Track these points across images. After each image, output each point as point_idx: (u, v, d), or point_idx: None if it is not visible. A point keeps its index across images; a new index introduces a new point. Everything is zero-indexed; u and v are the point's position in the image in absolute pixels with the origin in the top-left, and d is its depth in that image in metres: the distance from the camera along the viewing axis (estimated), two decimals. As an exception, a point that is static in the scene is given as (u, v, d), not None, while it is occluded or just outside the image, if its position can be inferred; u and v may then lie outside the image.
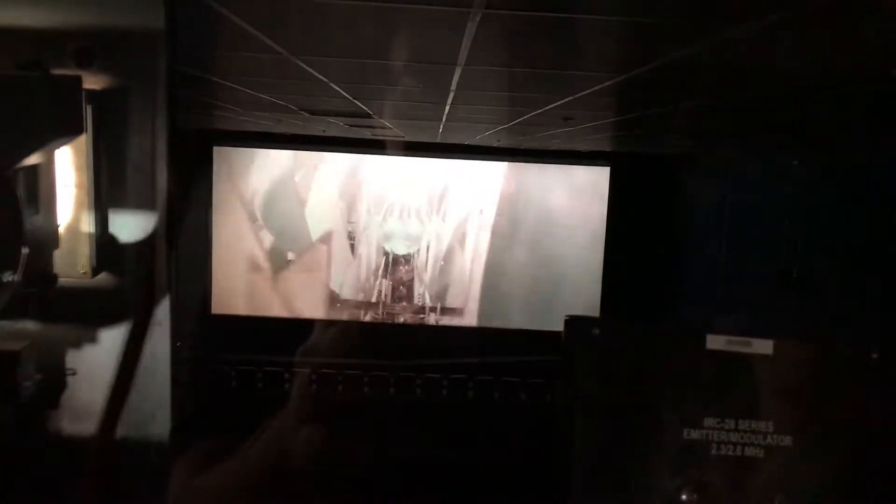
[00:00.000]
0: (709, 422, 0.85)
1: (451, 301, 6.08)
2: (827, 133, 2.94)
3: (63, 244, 0.94)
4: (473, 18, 1.23)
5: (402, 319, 6.01)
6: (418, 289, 6.06)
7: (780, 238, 3.98)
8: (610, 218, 5.88)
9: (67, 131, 0.86)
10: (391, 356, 5.31)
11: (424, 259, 6.04)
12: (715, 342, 0.84)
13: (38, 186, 0.89)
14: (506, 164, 5.84)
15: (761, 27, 1.15)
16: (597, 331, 0.85)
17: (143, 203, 0.95)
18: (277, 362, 4.93)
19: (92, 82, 0.90)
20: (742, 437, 0.85)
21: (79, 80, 0.86)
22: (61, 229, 0.94)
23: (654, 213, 5.71)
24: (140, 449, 0.97)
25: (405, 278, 6.04)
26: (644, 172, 5.70)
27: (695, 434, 0.85)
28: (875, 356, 0.86)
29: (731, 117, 2.58)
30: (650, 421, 0.85)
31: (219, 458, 1.15)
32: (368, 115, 3.16)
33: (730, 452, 0.85)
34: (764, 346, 0.84)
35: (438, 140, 4.80)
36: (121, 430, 0.95)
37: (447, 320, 6.07)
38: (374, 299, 6.02)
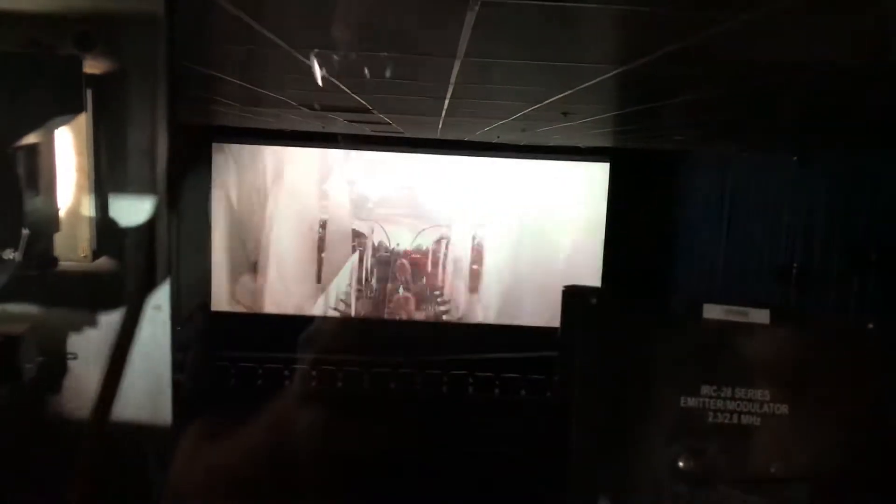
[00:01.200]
0: (705, 390, 0.86)
1: (454, 298, 6.09)
2: (827, 129, 2.94)
3: (64, 227, 0.94)
4: (472, 8, 1.23)
5: (403, 316, 6.02)
6: (419, 284, 6.06)
7: (780, 233, 3.99)
8: (609, 213, 5.89)
9: (67, 109, 0.87)
10: (390, 352, 5.31)
11: (428, 255, 6.05)
12: (712, 311, 0.85)
13: (39, 169, 0.89)
14: (507, 160, 5.85)
15: (762, 16, 1.15)
16: (594, 300, 0.86)
17: (143, 188, 0.95)
18: (277, 359, 4.93)
19: (93, 67, 0.90)
20: (739, 406, 0.86)
21: (79, 59, 0.87)
22: (62, 212, 0.94)
23: (654, 208, 5.71)
24: (141, 430, 0.97)
25: (406, 276, 6.05)
26: (643, 168, 5.71)
27: (691, 402, 0.86)
28: (870, 326, 0.87)
29: (730, 111, 2.58)
30: (647, 390, 0.86)
31: (218, 441, 1.15)
32: (368, 111, 3.16)
33: (726, 420, 0.86)
34: (761, 316, 0.85)
35: (438, 136, 4.80)
36: (122, 413, 0.96)
37: (449, 316, 6.08)
38: (371, 295, 6.03)
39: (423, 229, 6.02)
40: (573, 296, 0.86)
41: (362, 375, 4.97)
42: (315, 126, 4.55)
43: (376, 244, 6.03)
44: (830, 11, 1.14)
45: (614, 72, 1.79)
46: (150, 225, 0.95)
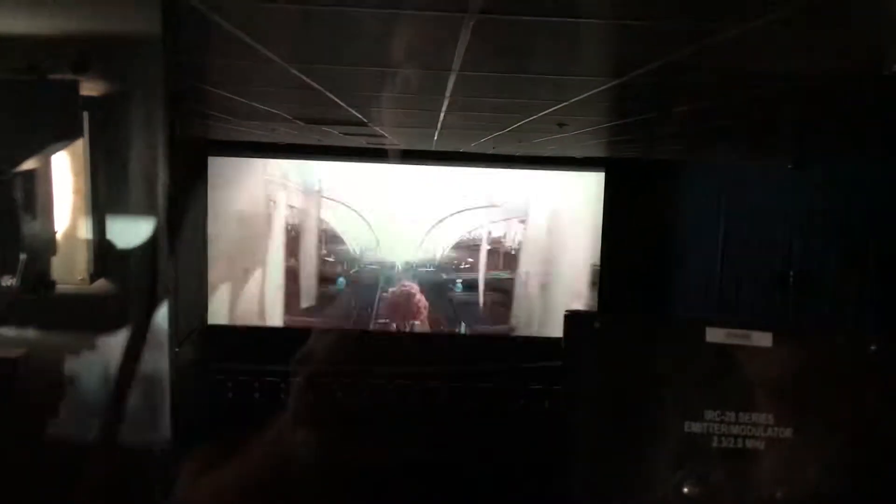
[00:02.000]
0: (709, 414, 0.85)
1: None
2: (822, 136, 2.96)
3: (61, 250, 0.94)
4: (467, 23, 1.23)
5: (407, 329, 6.01)
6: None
7: (777, 240, 3.99)
8: (606, 222, 5.90)
9: (64, 135, 0.87)
10: (388, 364, 5.30)
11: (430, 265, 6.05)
12: (714, 335, 0.85)
13: (36, 192, 0.89)
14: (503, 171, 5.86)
15: (758, 27, 1.16)
16: (597, 324, 0.86)
17: (140, 209, 0.95)
18: (275, 372, 4.92)
19: (89, 89, 0.90)
20: (743, 430, 0.86)
21: (75, 84, 0.87)
22: (59, 235, 0.94)
23: (650, 217, 5.72)
24: (142, 455, 0.97)
25: (412, 290, 6.05)
26: (639, 177, 5.72)
27: (695, 427, 0.85)
28: (873, 348, 0.86)
29: (725, 120, 2.59)
30: (651, 414, 0.85)
31: (219, 464, 1.15)
32: (363, 124, 3.16)
33: (731, 445, 0.86)
34: (763, 339, 0.85)
35: (434, 148, 4.81)
36: (122, 436, 0.95)
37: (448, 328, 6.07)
38: (375, 311, 6.03)
39: (424, 241, 6.02)
40: (575, 320, 0.86)
41: (360, 387, 4.96)
42: (311, 139, 4.56)
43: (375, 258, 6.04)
44: (824, 22, 1.15)
45: (609, 84, 1.80)
46: (149, 246, 0.95)
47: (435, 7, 1.17)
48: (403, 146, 4.91)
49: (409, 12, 1.21)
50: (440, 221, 5.98)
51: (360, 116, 2.88)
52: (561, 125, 2.89)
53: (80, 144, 0.91)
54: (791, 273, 3.79)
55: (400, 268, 6.01)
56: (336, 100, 2.33)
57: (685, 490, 0.84)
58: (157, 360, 0.96)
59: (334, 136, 4.04)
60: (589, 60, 1.61)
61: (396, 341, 5.97)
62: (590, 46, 1.45)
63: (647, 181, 5.71)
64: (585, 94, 1.97)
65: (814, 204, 3.72)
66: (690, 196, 5.37)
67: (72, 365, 0.96)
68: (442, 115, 2.69)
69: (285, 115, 3.02)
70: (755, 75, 1.67)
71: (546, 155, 5.28)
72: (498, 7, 1.14)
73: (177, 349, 0.96)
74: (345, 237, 6.00)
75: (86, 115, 0.90)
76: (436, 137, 3.82)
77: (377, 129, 3.48)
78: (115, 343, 0.95)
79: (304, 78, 1.88)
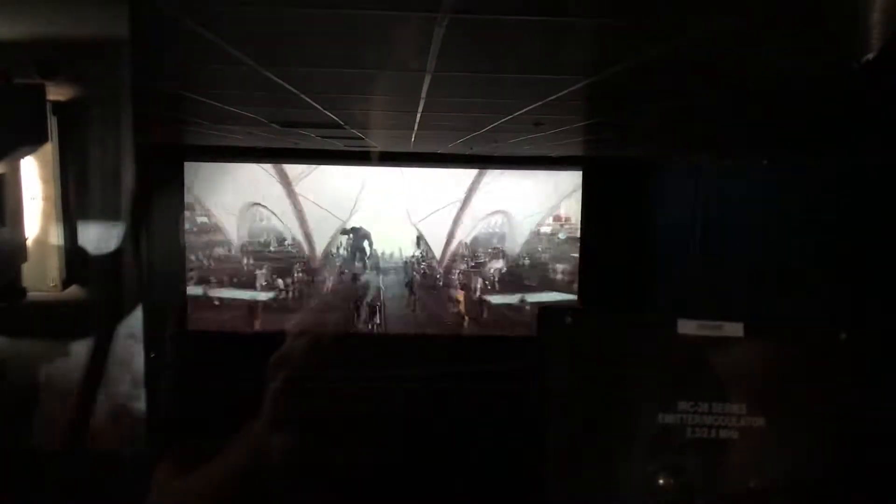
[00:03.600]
0: (682, 405, 0.86)
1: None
2: (797, 133, 2.99)
3: (32, 257, 0.93)
4: (441, 23, 1.23)
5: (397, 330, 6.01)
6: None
7: (754, 237, 4.03)
8: (583, 220, 5.93)
9: (31, 140, 0.86)
10: (369, 365, 5.29)
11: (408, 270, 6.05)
12: (686, 327, 0.86)
13: (5, 199, 0.88)
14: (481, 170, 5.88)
15: (727, 25, 1.17)
16: (569, 319, 0.86)
17: (111, 215, 0.94)
18: (255, 378, 4.88)
19: (57, 94, 0.89)
20: (716, 420, 0.87)
21: (42, 88, 0.86)
22: (29, 242, 0.93)
23: (628, 213, 5.76)
24: (116, 460, 0.96)
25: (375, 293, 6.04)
26: (617, 175, 5.76)
27: (669, 418, 0.86)
28: (843, 336, 0.88)
29: (700, 118, 2.61)
30: (624, 406, 0.86)
31: (195, 467, 1.14)
32: (340, 126, 3.16)
33: (704, 435, 0.87)
34: (734, 330, 0.86)
35: (411, 149, 4.81)
36: (96, 442, 0.94)
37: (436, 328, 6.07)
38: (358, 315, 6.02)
39: (401, 242, 6.02)
40: (548, 315, 0.87)
41: (342, 391, 4.94)
42: (288, 143, 4.54)
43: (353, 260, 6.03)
44: (792, 18, 1.16)
45: (583, 83, 1.81)
46: (120, 252, 0.94)
47: (407, 7, 1.17)
48: (381, 148, 4.90)
49: (382, 12, 1.21)
50: (421, 221, 5.99)
51: (335, 119, 2.87)
52: (537, 125, 2.90)
53: (49, 150, 0.90)
54: (768, 269, 3.83)
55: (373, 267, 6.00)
56: (311, 102, 2.32)
57: (660, 481, 0.85)
58: (132, 364, 0.95)
59: (312, 139, 4.03)
60: (563, 59, 1.61)
61: (376, 342, 5.96)
62: (564, 45, 1.46)
63: (625, 179, 5.75)
64: (560, 94, 1.98)
65: (791, 199, 3.76)
66: (668, 193, 5.42)
67: (45, 371, 0.95)
68: (418, 116, 2.69)
69: (260, 119, 3.00)
70: (728, 73, 1.69)
71: (523, 155, 5.30)
72: (471, 6, 1.14)
73: (152, 354, 0.96)
74: (318, 236, 5.99)
75: (54, 120, 0.89)
76: (413, 139, 3.82)
77: (354, 131, 3.47)
78: (88, 349, 0.94)
79: (277, 80, 1.88)
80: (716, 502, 0.85)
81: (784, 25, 1.21)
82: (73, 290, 0.95)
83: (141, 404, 0.95)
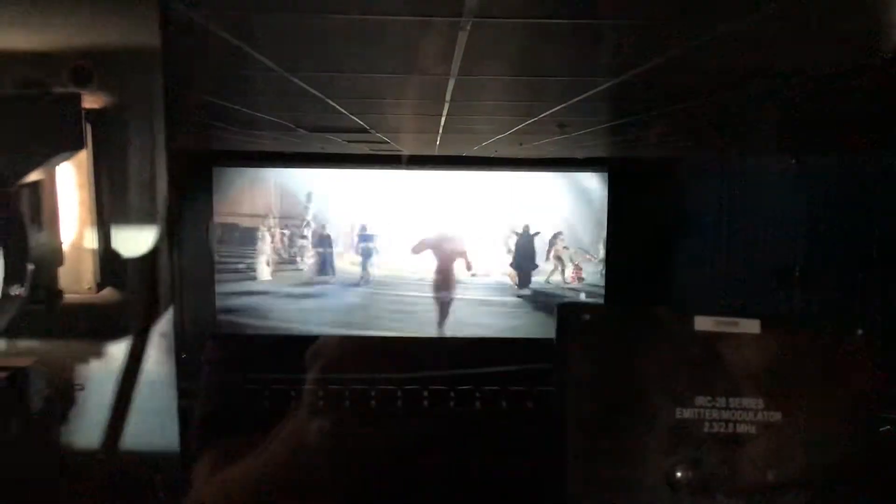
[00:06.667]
0: (700, 401, 0.87)
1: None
2: (825, 130, 2.96)
3: (68, 261, 0.96)
4: (464, 27, 1.25)
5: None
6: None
7: (781, 236, 3.99)
8: (610, 221, 5.90)
9: (68, 147, 0.88)
10: (397, 369, 5.30)
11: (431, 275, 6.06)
12: (703, 323, 0.87)
13: (42, 204, 0.91)
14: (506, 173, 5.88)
15: (754, 22, 1.16)
16: (587, 316, 0.87)
17: (144, 219, 0.97)
18: (284, 380, 4.91)
19: (90, 101, 0.92)
20: (733, 415, 0.87)
21: (78, 97, 0.88)
22: (65, 246, 0.96)
23: (653, 214, 5.72)
24: (148, 462, 0.98)
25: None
26: (642, 175, 5.72)
27: (687, 413, 0.87)
28: (860, 332, 0.88)
29: (727, 117, 2.59)
30: (642, 402, 0.87)
31: (230, 464, 1.16)
32: (365, 130, 3.18)
33: (722, 430, 0.87)
34: (751, 326, 0.86)
35: (436, 153, 4.82)
36: (129, 443, 0.96)
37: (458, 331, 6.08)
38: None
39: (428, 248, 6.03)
40: (567, 311, 0.88)
41: (368, 393, 4.95)
42: (314, 147, 4.58)
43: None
44: (821, 13, 1.16)
45: (609, 83, 1.81)
46: (153, 254, 0.97)
47: (431, 12, 1.18)
48: (406, 151, 4.92)
49: (406, 18, 1.22)
50: (445, 227, 5.99)
51: (361, 123, 2.89)
52: (562, 126, 2.90)
53: (84, 157, 0.92)
54: (796, 268, 3.79)
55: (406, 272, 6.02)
56: (336, 107, 2.35)
57: (678, 475, 0.85)
58: (164, 365, 0.98)
59: (337, 143, 4.06)
60: (587, 61, 1.62)
61: (399, 345, 5.97)
62: (587, 47, 1.46)
63: (650, 179, 5.71)
64: (584, 95, 1.98)
65: (818, 198, 3.71)
66: (694, 193, 5.37)
67: (79, 373, 0.97)
68: (443, 119, 2.70)
69: (287, 124, 3.04)
70: (754, 71, 1.68)
71: (548, 157, 5.28)
72: (494, 10, 1.15)
73: (183, 355, 0.98)
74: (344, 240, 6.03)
75: (88, 127, 0.92)
76: (438, 142, 3.83)
77: (379, 135, 3.49)
78: (121, 350, 0.97)
79: (304, 85, 1.90)
80: (734, 495, 0.86)
81: (812, 21, 1.20)
82: (108, 293, 0.98)
83: (173, 404, 0.98)
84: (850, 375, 0.88)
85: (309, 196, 5.96)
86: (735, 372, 0.88)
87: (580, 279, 6.10)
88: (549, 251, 6.05)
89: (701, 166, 5.15)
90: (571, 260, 6.07)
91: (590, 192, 5.95)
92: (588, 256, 6.04)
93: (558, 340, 0.88)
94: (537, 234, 6.04)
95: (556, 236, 6.05)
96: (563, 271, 6.07)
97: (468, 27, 1.23)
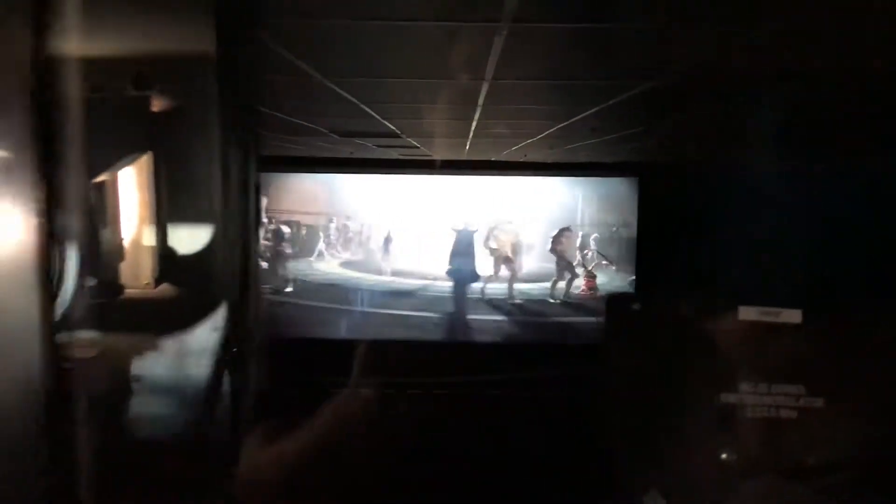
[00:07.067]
0: (744, 387, 0.90)
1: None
2: (859, 135, 2.93)
3: (128, 257, 1.00)
4: (501, 32, 1.27)
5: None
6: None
7: (812, 242, 3.95)
8: (640, 227, 5.86)
9: (135, 149, 0.93)
10: (432, 373, 5.32)
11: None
12: (747, 313, 0.89)
13: (106, 203, 0.95)
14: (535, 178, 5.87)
15: (792, 26, 1.17)
16: (636, 306, 0.90)
17: (199, 219, 1.01)
18: (337, 383, 4.95)
19: (153, 106, 0.96)
20: (776, 401, 0.90)
21: (146, 101, 0.93)
22: (126, 243, 1.00)
23: (684, 219, 5.68)
24: (201, 447, 1.02)
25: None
26: (672, 180, 5.69)
27: (731, 398, 0.89)
28: None
29: (763, 121, 2.58)
30: (688, 388, 0.90)
31: (279, 443, 1.19)
32: (396, 135, 3.20)
33: (765, 415, 0.90)
34: (793, 316, 0.89)
35: (465, 157, 4.84)
36: (188, 429, 1.00)
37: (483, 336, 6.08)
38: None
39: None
40: (616, 302, 0.91)
41: (398, 396, 4.98)
42: (344, 152, 4.62)
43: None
44: (858, 19, 1.16)
45: (642, 87, 1.81)
46: (207, 252, 1.00)
47: (469, 18, 1.20)
48: (435, 156, 4.95)
49: (444, 22, 1.24)
50: (476, 232, 6.00)
51: (392, 128, 2.92)
52: (593, 130, 2.90)
53: (145, 158, 0.97)
54: (825, 276, 3.75)
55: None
56: (370, 111, 2.38)
57: (723, 457, 0.88)
58: (217, 356, 1.01)
59: (367, 148, 4.09)
60: (620, 65, 1.63)
61: (433, 351, 5.99)
62: (621, 51, 1.48)
63: (680, 184, 5.67)
64: (617, 99, 1.99)
65: (851, 205, 3.68)
66: (724, 198, 5.33)
67: (138, 365, 1.02)
68: (474, 124, 2.72)
69: (320, 129, 3.07)
70: (791, 75, 1.68)
71: (578, 161, 5.28)
72: (531, 15, 1.17)
73: (234, 349, 1.01)
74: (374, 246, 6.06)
75: (150, 130, 0.96)
76: (468, 147, 3.85)
77: (410, 140, 3.51)
78: (177, 344, 1.01)
79: (339, 91, 1.93)
80: (777, 477, 0.88)
81: (845, 25, 1.21)
82: (165, 288, 1.02)
83: (225, 394, 1.01)
84: (889, 363, 0.90)
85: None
86: (777, 360, 0.90)
87: (591, 290, 5.87)
88: (553, 247, 5.89)
89: (732, 171, 5.11)
90: (584, 266, 5.94)
91: (617, 197, 5.93)
92: (606, 262, 5.93)
93: (607, 329, 0.92)
94: (476, 231, 5.93)
95: (561, 232, 5.86)
96: (571, 281, 5.94)
97: (505, 32, 1.26)
